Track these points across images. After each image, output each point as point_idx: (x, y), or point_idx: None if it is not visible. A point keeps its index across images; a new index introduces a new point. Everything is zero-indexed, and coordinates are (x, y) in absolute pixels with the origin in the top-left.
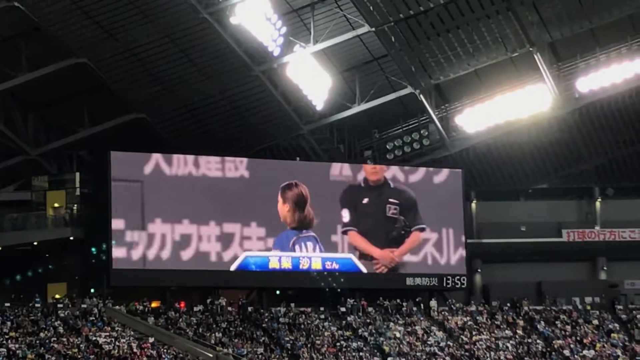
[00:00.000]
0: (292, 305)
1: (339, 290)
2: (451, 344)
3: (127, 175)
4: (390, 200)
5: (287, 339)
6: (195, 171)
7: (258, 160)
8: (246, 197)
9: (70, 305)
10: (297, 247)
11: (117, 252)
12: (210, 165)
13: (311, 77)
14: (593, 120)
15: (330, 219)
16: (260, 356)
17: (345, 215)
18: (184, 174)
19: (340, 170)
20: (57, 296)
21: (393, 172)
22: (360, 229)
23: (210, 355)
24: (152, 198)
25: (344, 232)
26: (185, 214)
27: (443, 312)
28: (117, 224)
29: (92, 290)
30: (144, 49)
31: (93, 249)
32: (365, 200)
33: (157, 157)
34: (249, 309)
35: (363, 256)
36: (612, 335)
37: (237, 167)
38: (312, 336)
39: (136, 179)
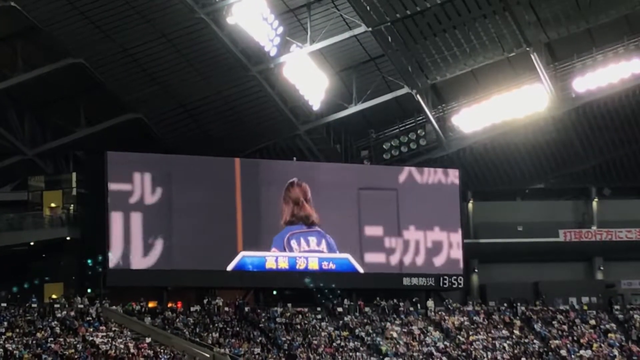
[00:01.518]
0: (289, 305)
1: (338, 291)
2: (448, 344)
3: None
4: None
5: (284, 339)
6: None
7: None
8: None
9: (66, 305)
10: (292, 242)
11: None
12: None
13: (308, 77)
14: (590, 120)
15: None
16: (257, 356)
17: None
18: None
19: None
20: (53, 296)
21: (392, 172)
22: None
23: (207, 355)
24: None
25: None
26: None
27: (440, 312)
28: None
29: (89, 291)
30: (140, 49)
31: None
32: None
33: None
34: (246, 309)
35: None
36: (609, 335)
37: None
38: (309, 336)
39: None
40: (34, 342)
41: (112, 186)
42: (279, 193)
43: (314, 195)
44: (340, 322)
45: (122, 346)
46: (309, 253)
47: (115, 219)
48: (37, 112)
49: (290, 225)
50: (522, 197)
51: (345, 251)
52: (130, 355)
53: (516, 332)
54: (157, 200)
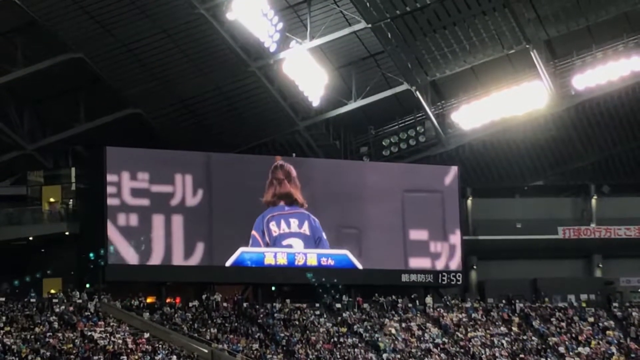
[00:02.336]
0: (288, 301)
1: (339, 285)
2: (446, 340)
3: None
4: None
5: (283, 335)
6: None
7: None
8: None
9: (65, 300)
10: (271, 224)
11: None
12: None
13: (307, 73)
14: (589, 117)
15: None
16: (255, 352)
17: None
18: None
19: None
20: (52, 291)
21: (387, 169)
22: None
23: (206, 350)
24: None
25: None
26: None
27: (438, 309)
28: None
29: (88, 286)
30: (140, 44)
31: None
32: None
33: None
34: (245, 304)
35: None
36: (608, 332)
37: None
38: (307, 332)
39: None
40: (33, 336)
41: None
42: (321, 191)
43: (358, 196)
44: (339, 318)
45: (120, 341)
46: (291, 238)
47: (157, 221)
48: (37, 107)
49: (272, 207)
50: (521, 194)
51: (389, 257)
52: (129, 351)
53: (514, 329)
54: (198, 203)
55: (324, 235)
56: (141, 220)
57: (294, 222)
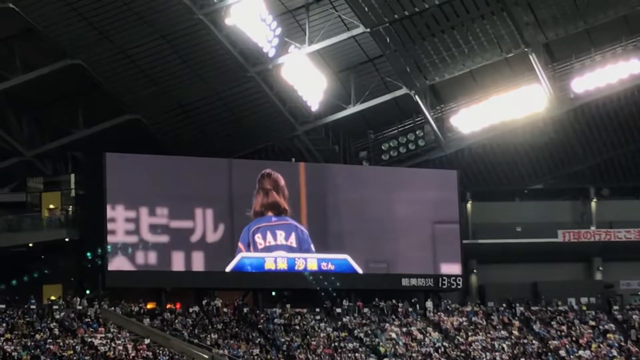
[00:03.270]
0: (288, 306)
1: (334, 293)
2: (447, 344)
3: None
4: None
5: (283, 340)
6: None
7: None
8: None
9: (65, 307)
10: (257, 236)
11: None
12: None
13: (306, 78)
14: (588, 120)
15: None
16: (255, 357)
17: None
18: None
19: None
20: (52, 298)
21: (389, 173)
22: None
23: (206, 356)
24: None
25: None
26: None
27: (439, 313)
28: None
29: (88, 292)
30: (138, 50)
31: (88, 254)
32: None
33: None
34: (245, 310)
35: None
36: (608, 335)
37: None
38: (307, 337)
39: None
40: (33, 343)
41: None
42: (344, 198)
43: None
44: (339, 322)
45: (120, 347)
46: (276, 251)
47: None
48: (36, 114)
49: (259, 217)
50: (521, 197)
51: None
52: (129, 357)
53: (515, 332)
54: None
55: (312, 247)
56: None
57: (280, 233)
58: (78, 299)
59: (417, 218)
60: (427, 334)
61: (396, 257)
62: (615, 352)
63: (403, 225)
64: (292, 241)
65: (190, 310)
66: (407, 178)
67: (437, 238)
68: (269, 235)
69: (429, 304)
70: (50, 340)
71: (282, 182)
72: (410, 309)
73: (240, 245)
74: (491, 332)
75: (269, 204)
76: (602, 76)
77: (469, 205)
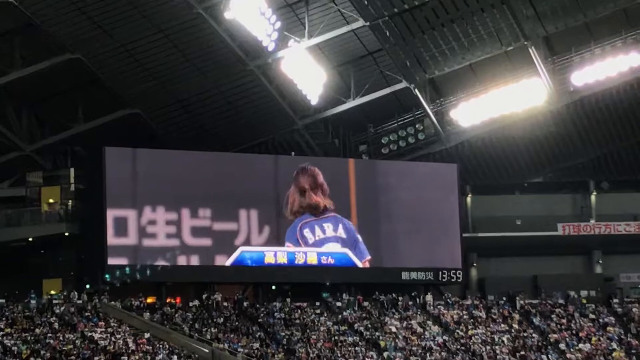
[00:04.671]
0: (288, 300)
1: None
2: (447, 338)
3: None
4: None
5: (283, 334)
6: None
7: None
8: None
9: (65, 301)
10: (305, 231)
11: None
12: None
13: (306, 71)
14: (588, 113)
15: None
16: (256, 351)
17: None
18: None
19: None
20: (52, 292)
21: (388, 167)
22: None
23: (206, 350)
24: None
25: None
26: None
27: (439, 307)
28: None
29: (88, 286)
30: (138, 44)
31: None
32: None
33: None
34: (245, 304)
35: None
36: (608, 328)
37: None
38: (307, 331)
39: None
40: (33, 338)
41: None
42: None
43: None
44: (339, 316)
45: (120, 342)
46: (328, 243)
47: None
48: (35, 108)
49: (300, 216)
50: (521, 190)
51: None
52: (129, 351)
53: (515, 325)
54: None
55: (360, 238)
56: None
57: (327, 227)
58: (78, 293)
59: (416, 211)
60: (427, 328)
61: (396, 250)
62: (615, 345)
63: (403, 219)
64: (341, 232)
65: (191, 304)
66: (407, 171)
67: (437, 231)
68: (317, 230)
69: (429, 297)
70: (50, 335)
71: (320, 177)
72: (410, 303)
73: (288, 244)
74: (491, 325)
75: (308, 205)
76: (602, 69)
77: (468, 198)
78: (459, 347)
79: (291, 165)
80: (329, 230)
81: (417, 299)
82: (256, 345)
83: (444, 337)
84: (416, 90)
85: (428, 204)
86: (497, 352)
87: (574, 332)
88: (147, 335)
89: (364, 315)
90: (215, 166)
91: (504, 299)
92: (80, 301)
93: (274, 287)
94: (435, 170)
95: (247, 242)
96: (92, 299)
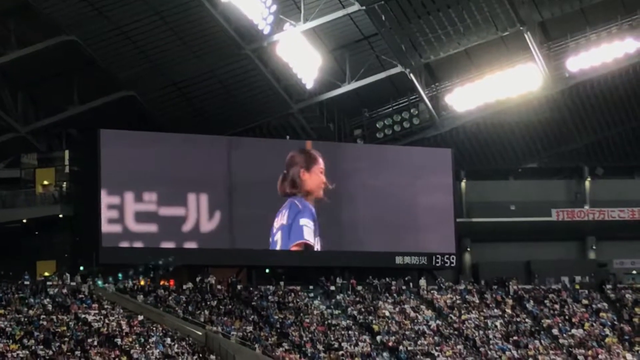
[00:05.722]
0: (282, 283)
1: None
2: (440, 322)
3: None
4: None
5: (277, 317)
6: None
7: None
8: None
9: (59, 283)
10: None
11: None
12: None
13: (301, 55)
14: (583, 99)
15: None
16: (249, 334)
17: None
18: None
19: None
20: (46, 274)
21: (383, 151)
22: None
23: (200, 333)
24: None
25: None
26: None
27: (432, 291)
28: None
29: (82, 268)
30: (133, 27)
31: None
32: None
33: None
34: (239, 287)
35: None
36: (601, 314)
37: None
38: (301, 314)
39: None
40: (26, 319)
41: None
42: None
43: None
44: (333, 300)
45: (114, 324)
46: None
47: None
48: (30, 90)
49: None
50: (515, 176)
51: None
52: (123, 333)
53: (508, 310)
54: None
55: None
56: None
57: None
58: (71, 275)
59: (411, 196)
60: (421, 312)
61: (389, 235)
62: (607, 331)
63: (397, 203)
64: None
65: (184, 287)
66: (402, 156)
67: (431, 216)
68: (280, 214)
69: (423, 282)
70: (44, 316)
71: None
72: (403, 287)
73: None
74: (484, 310)
75: (286, 186)
76: (597, 55)
77: (463, 183)
78: (452, 331)
79: (248, 148)
80: (284, 215)
81: (411, 284)
82: (249, 328)
83: (437, 322)
84: (411, 75)
85: (422, 189)
86: (490, 336)
87: (567, 317)
88: (140, 317)
89: (358, 299)
90: (166, 148)
91: (497, 283)
92: (73, 283)
93: (267, 271)
94: (429, 155)
95: (196, 228)
96: (85, 280)
